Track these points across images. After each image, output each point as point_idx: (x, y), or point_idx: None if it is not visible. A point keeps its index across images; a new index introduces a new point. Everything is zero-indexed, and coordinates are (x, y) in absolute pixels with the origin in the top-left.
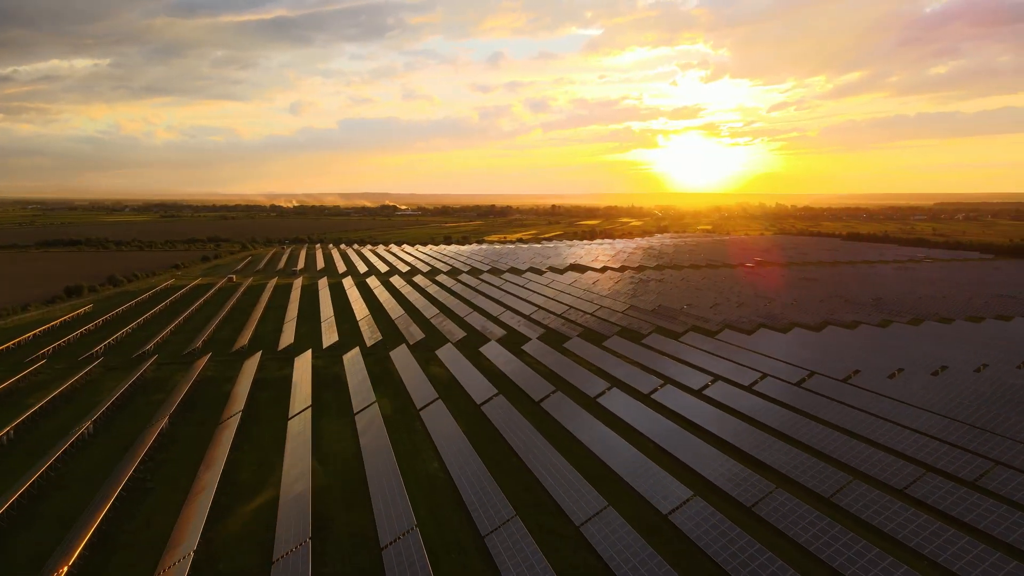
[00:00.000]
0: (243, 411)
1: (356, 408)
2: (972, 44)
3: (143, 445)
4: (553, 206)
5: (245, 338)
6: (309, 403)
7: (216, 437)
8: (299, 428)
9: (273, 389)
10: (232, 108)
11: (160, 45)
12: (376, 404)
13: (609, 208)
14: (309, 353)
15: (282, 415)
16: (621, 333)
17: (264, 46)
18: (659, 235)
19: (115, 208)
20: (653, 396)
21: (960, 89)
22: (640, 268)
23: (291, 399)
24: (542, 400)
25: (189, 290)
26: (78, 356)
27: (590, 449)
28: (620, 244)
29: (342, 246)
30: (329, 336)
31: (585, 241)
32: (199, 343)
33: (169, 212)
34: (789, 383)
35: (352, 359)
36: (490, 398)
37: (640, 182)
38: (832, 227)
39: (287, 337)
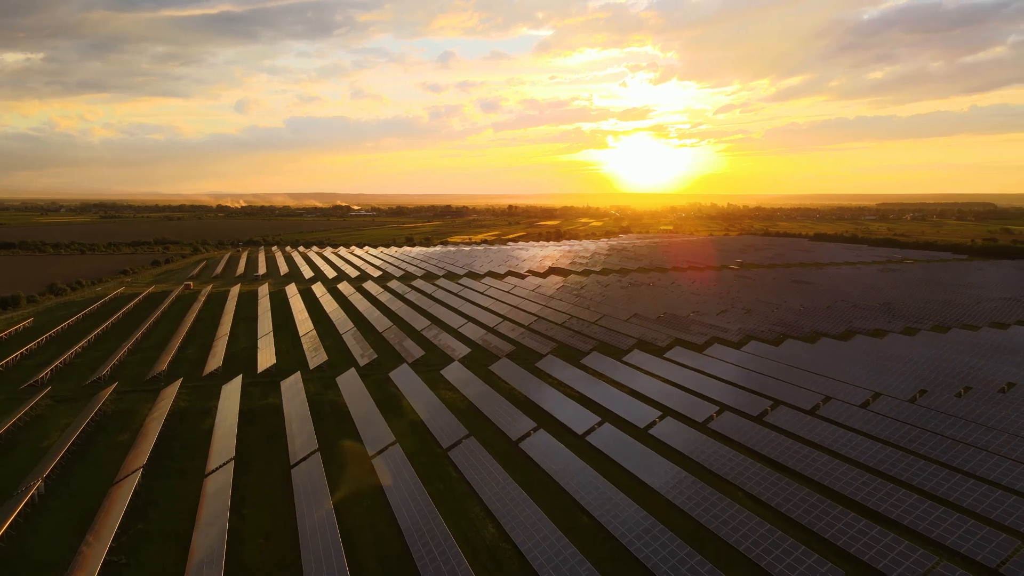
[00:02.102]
0: (234, 457)
1: (371, 449)
2: (907, 50)
3: (112, 510)
4: (510, 206)
5: (218, 358)
6: (316, 445)
7: (205, 495)
8: (308, 479)
9: (262, 423)
10: (174, 105)
11: (97, 39)
12: (397, 444)
13: (566, 208)
14: (298, 376)
15: (281, 459)
16: (639, 346)
17: (208, 42)
18: (624, 236)
19: (50, 208)
20: (709, 425)
21: (896, 94)
22: (623, 271)
23: (289, 437)
24: (587, 433)
25: (143, 300)
26: (20, 384)
27: (671, 501)
28: (591, 245)
29: (301, 248)
30: (315, 354)
31: (552, 243)
32: (164, 365)
33: (109, 212)
34: (853, 404)
35: (349, 383)
36: (528, 432)
37: (591, 182)
38: (789, 227)
39: (266, 356)
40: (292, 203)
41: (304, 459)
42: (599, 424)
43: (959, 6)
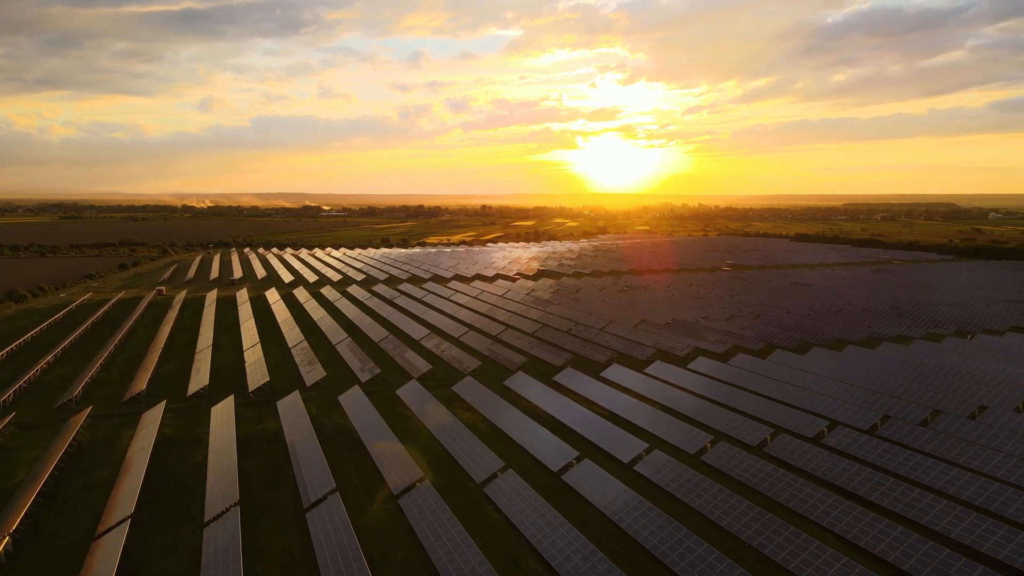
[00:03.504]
0: (239, 500)
1: (396, 486)
2: (869, 54)
3: (96, 573)
4: (483, 206)
5: (203, 374)
6: (332, 484)
7: (207, 553)
8: (329, 527)
9: (263, 454)
10: (136, 103)
11: (56, 35)
12: (427, 481)
13: (539, 208)
14: (296, 396)
15: (292, 500)
16: (659, 356)
17: (171, 39)
18: (603, 236)
19: (6, 209)
20: (765, 450)
21: (858, 96)
22: (615, 273)
23: (297, 472)
24: (634, 462)
25: (112, 307)
26: None
27: (757, 549)
28: (575, 247)
29: (274, 250)
30: (310, 369)
31: (533, 244)
32: (143, 384)
33: (69, 213)
34: (914, 424)
35: (354, 403)
36: (570, 463)
37: (561, 182)
38: (764, 227)
39: (257, 372)
40: (260, 203)
41: (320, 501)
42: (647, 451)
43: (919, 11)
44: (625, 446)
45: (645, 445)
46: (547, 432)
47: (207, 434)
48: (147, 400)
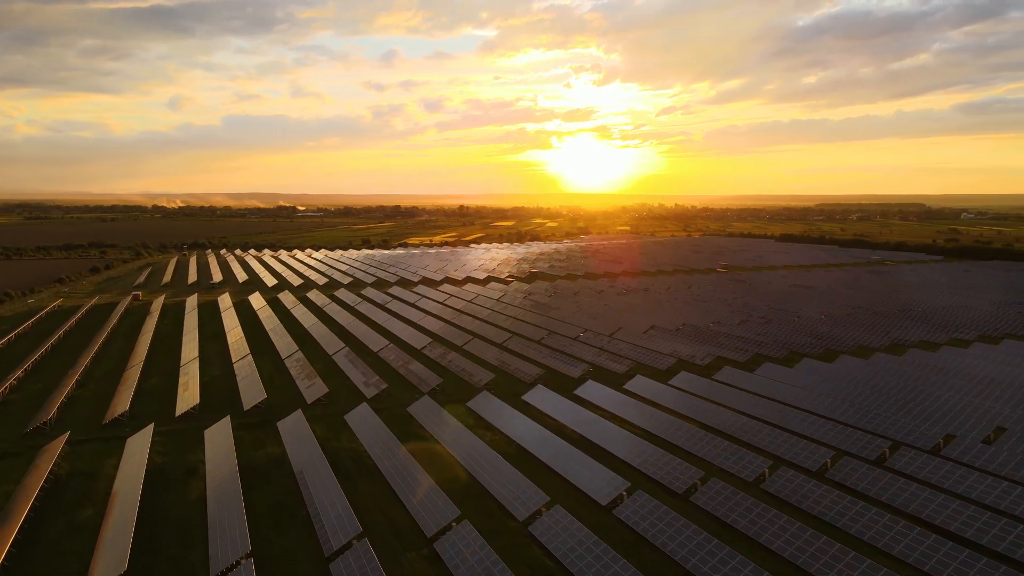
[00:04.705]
0: (252, 548)
1: (426, 525)
2: (839, 56)
3: None
4: (461, 207)
5: (192, 391)
6: (358, 526)
7: None
8: None
9: (270, 487)
10: (103, 101)
11: (20, 31)
12: (467, 521)
13: (517, 209)
14: (299, 415)
15: (308, 543)
16: (681, 366)
17: (139, 36)
18: (586, 237)
19: None
20: (827, 475)
21: (828, 98)
22: (609, 275)
23: (311, 509)
24: (689, 493)
25: (86, 314)
26: None
27: None
28: (562, 247)
29: (252, 251)
30: (310, 383)
31: (517, 244)
32: (126, 403)
33: (35, 213)
34: (984, 444)
35: (364, 424)
36: (620, 495)
37: (537, 183)
38: (744, 227)
39: (251, 388)
40: (232, 203)
41: (346, 548)
42: (702, 480)
43: (889, 15)
44: (676, 473)
45: (699, 472)
46: (585, 456)
47: (203, 463)
48: (131, 422)
